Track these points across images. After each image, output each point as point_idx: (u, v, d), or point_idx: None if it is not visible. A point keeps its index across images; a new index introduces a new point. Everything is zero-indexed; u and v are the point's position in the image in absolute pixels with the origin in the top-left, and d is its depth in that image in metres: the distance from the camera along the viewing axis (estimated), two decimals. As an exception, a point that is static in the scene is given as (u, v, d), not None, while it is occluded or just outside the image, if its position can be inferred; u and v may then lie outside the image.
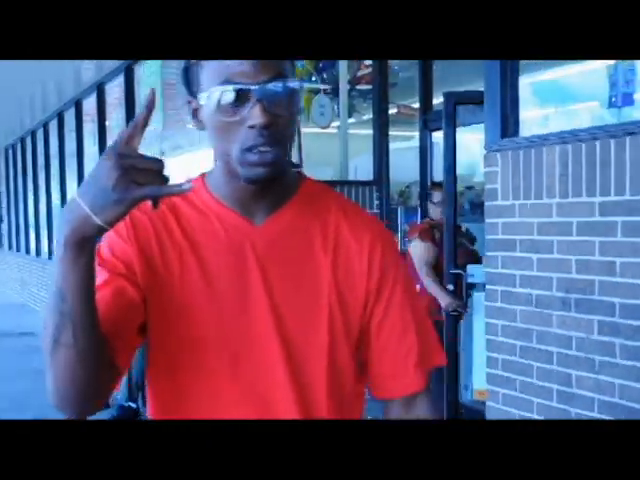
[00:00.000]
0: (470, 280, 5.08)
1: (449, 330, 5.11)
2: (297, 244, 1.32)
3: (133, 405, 5.91)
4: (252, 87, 1.18)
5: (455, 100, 5.10)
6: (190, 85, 1.27)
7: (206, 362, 1.28)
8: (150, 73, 7.76)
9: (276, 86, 1.19)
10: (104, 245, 1.27)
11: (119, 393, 5.93)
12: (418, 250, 5.32)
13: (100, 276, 1.19)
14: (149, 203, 1.07)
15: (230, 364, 1.28)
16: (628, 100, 3.66)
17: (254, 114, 1.17)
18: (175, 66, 7.45)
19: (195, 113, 1.28)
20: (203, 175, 1.36)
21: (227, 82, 1.18)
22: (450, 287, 5.13)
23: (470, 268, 5.08)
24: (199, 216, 1.30)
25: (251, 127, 1.18)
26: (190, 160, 7.25)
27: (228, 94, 1.18)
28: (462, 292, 5.13)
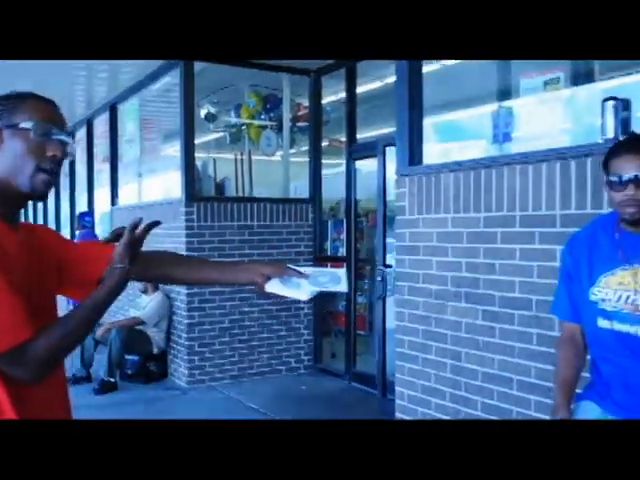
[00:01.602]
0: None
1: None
2: None
3: (112, 380, 5.72)
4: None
5: (384, 143, 5.12)
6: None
7: None
8: (130, 111, 7.57)
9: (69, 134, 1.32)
10: None
11: (101, 368, 5.74)
12: None
13: None
14: None
15: None
16: (507, 138, 3.73)
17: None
18: (151, 105, 7.31)
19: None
20: None
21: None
22: (379, 279, 5.11)
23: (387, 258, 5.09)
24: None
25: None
26: (161, 180, 7.10)
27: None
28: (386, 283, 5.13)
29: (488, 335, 3.43)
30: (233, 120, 6.74)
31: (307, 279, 1.46)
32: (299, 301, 6.14)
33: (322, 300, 6.43)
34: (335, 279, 1.49)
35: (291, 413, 4.93)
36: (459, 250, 3.62)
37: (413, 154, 3.98)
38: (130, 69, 6.53)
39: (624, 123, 2.93)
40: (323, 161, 6.50)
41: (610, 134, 2.92)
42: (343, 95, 6.11)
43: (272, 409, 5.07)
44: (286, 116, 6.59)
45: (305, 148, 6.67)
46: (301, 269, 1.48)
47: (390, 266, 4.95)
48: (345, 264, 5.99)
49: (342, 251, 6.32)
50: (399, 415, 4.01)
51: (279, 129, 6.63)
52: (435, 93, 4.20)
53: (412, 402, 3.92)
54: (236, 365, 6.00)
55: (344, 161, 6.06)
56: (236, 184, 6.57)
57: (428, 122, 4.12)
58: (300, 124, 6.70)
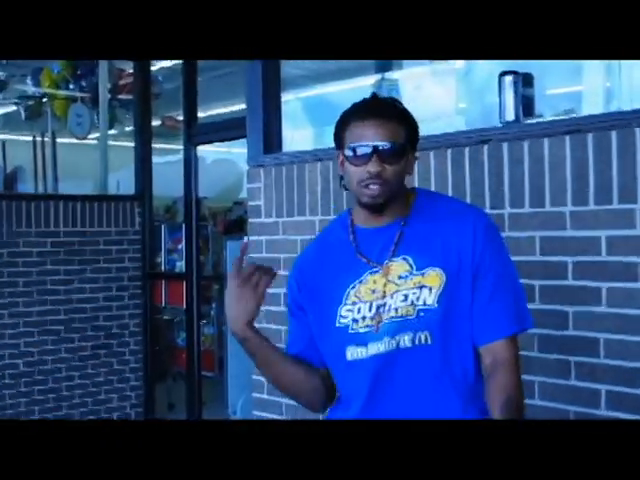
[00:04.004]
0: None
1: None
2: None
3: None
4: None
5: (235, 123, 5.06)
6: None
7: None
8: None
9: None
10: None
11: None
12: None
13: None
14: None
15: None
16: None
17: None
18: None
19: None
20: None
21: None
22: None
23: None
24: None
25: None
26: None
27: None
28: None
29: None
30: (30, 89, 6.57)
31: None
32: (123, 333, 5.99)
33: (154, 331, 6.33)
34: None
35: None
36: (330, 263, 3.64)
37: (270, 138, 3.98)
38: None
39: (526, 102, 3.07)
40: (154, 146, 6.41)
41: (510, 116, 3.04)
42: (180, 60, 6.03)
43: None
44: (103, 85, 6.45)
45: (130, 128, 6.59)
46: None
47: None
48: (185, 283, 5.91)
49: (180, 266, 6.22)
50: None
51: (94, 103, 6.49)
52: (300, 61, 4.23)
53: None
54: (36, 424, 5.71)
55: (182, 146, 5.98)
56: (35, 176, 6.41)
57: (291, 97, 4.13)
58: (123, 96, 6.60)
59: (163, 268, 6.48)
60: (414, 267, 1.82)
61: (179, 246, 6.34)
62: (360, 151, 1.80)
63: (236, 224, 6.89)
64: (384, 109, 1.84)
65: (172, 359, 6.60)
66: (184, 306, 5.94)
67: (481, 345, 1.83)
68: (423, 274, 1.82)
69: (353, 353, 1.86)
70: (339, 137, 1.87)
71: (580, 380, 2.69)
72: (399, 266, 1.84)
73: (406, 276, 1.82)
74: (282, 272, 3.86)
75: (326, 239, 2.02)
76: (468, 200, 3.02)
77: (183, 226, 6.09)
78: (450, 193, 3.10)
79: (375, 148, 1.79)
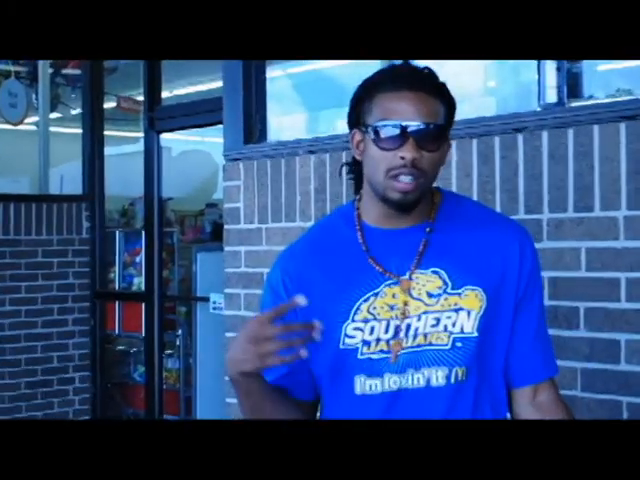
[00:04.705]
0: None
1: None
2: None
3: None
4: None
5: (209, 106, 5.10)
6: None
7: None
8: None
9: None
10: None
11: None
12: None
13: None
14: None
15: None
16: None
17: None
18: None
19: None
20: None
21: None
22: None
23: (213, 296, 5.15)
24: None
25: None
26: None
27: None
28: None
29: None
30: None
31: None
32: (66, 367, 5.99)
33: (105, 365, 6.35)
34: None
35: None
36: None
37: (251, 125, 4.01)
38: None
39: (572, 81, 3.09)
40: (107, 133, 6.45)
41: (551, 97, 3.05)
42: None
43: None
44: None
45: (77, 112, 6.60)
46: None
47: (218, 308, 4.96)
48: (144, 305, 5.92)
49: (139, 283, 6.25)
50: None
51: (32, 79, 6.53)
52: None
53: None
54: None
55: (142, 134, 6.00)
56: (-44, 170, 6.43)
57: (278, 73, 4.15)
58: (68, 71, 6.63)
59: (117, 286, 6.46)
60: (449, 284, 1.81)
61: (137, 258, 6.33)
62: (391, 132, 1.74)
63: (209, 231, 6.89)
64: (423, 80, 1.79)
65: (127, 399, 6.58)
66: (143, 334, 5.94)
67: (520, 387, 1.87)
68: (460, 294, 1.81)
69: (364, 385, 1.82)
70: (359, 111, 1.83)
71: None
72: (428, 280, 1.82)
73: (439, 294, 1.81)
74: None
75: (325, 236, 1.96)
76: (498, 202, 3.04)
77: (143, 234, 6.10)
78: (475, 193, 3.10)
79: (412, 128, 1.74)
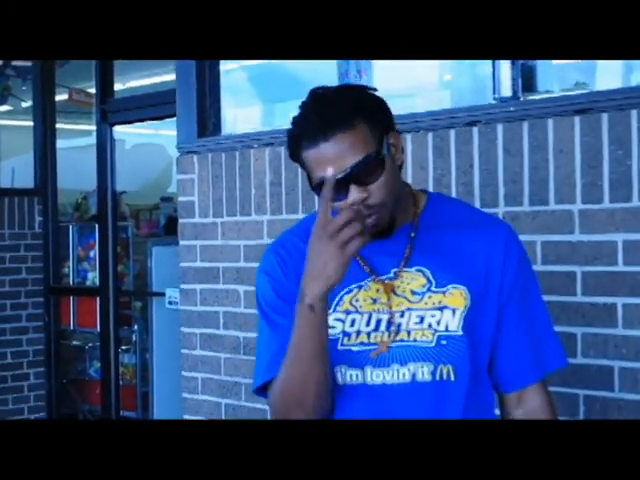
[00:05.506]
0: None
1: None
2: None
3: None
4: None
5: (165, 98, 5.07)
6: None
7: None
8: None
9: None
10: None
11: None
12: None
13: None
14: None
15: None
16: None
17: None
18: None
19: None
20: None
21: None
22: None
23: (169, 291, 5.14)
24: None
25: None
26: None
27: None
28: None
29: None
30: None
31: None
32: (20, 363, 5.95)
33: (60, 361, 6.31)
34: None
35: None
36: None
37: (205, 118, 4.00)
38: None
39: (527, 74, 3.09)
40: (59, 126, 6.42)
41: (506, 91, 3.06)
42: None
43: None
44: (-7, 49, 6.39)
45: (28, 104, 6.56)
46: None
47: (173, 303, 4.95)
48: (98, 300, 5.88)
49: (93, 278, 6.23)
50: None
51: (-21, 71, 6.45)
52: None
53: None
54: None
55: (94, 127, 5.96)
56: None
57: (233, 65, 4.13)
58: (18, 63, 6.54)
59: (71, 281, 6.41)
60: (433, 282, 1.82)
61: (91, 253, 6.29)
62: (329, 187, 1.67)
63: (164, 225, 6.85)
64: (332, 120, 1.72)
65: (83, 395, 6.55)
66: (98, 329, 5.92)
67: (508, 392, 1.88)
68: (444, 292, 1.81)
69: (345, 376, 1.83)
70: (301, 164, 1.80)
71: None
72: (413, 279, 1.82)
73: (422, 292, 1.81)
74: (222, 286, 3.87)
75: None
76: (453, 196, 3.04)
77: (96, 228, 6.08)
78: (430, 187, 3.11)
79: (343, 175, 1.70)
